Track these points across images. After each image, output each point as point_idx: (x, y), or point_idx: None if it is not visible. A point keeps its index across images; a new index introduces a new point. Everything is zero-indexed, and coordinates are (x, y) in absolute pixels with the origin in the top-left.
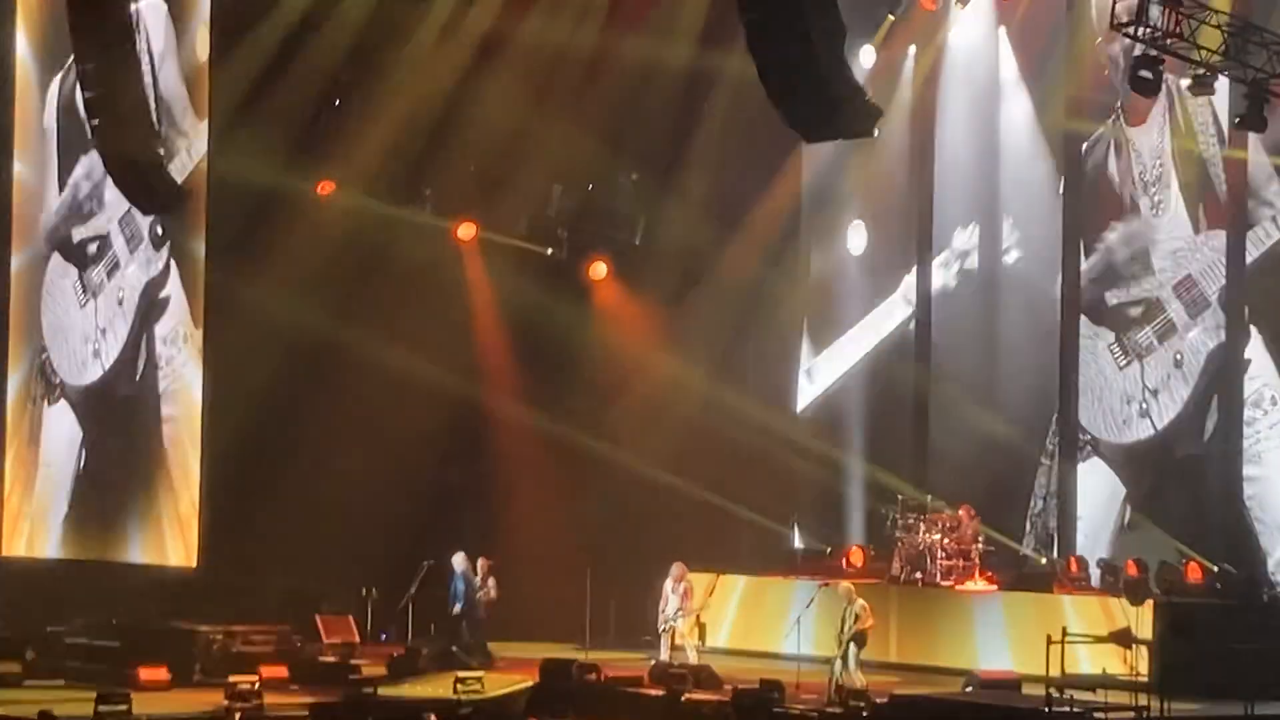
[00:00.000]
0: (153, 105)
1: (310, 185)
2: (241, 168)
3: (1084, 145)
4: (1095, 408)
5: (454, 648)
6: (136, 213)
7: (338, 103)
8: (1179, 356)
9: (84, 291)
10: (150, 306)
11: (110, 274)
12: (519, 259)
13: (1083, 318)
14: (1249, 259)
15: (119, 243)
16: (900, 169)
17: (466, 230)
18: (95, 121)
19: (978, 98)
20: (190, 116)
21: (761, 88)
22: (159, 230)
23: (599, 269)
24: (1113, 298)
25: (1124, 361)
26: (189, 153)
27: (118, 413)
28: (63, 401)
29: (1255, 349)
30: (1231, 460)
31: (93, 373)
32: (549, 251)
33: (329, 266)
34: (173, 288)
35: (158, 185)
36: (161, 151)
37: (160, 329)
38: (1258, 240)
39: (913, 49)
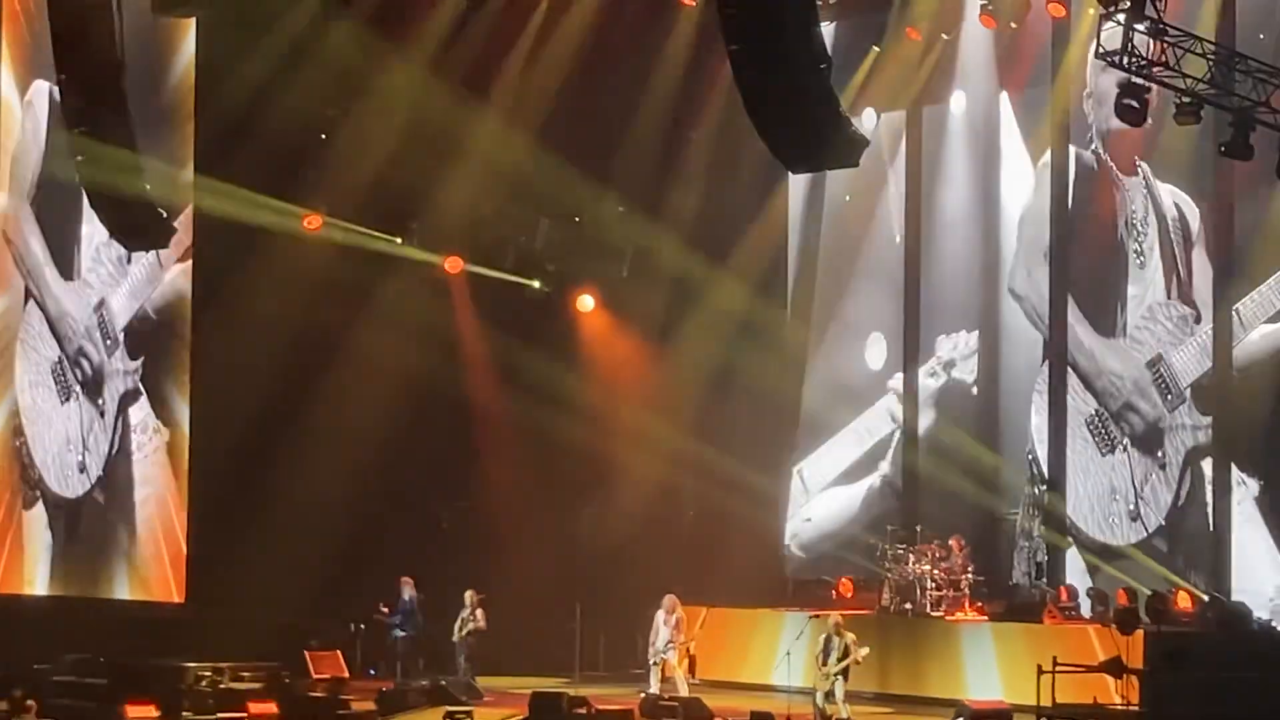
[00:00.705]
0: (137, 140)
1: (296, 219)
2: (227, 201)
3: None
4: (1075, 494)
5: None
6: (111, 305)
7: (324, 136)
8: (1162, 455)
9: (64, 389)
10: (128, 404)
11: (90, 375)
12: (506, 292)
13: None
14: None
15: (96, 339)
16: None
17: (453, 264)
18: (80, 158)
19: (972, 128)
20: (176, 150)
21: (747, 118)
22: (128, 334)
23: (586, 301)
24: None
25: (1106, 449)
26: (174, 186)
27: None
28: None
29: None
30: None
31: (78, 486)
32: (536, 284)
33: (315, 301)
34: (143, 395)
35: (145, 221)
36: (148, 186)
37: (134, 421)
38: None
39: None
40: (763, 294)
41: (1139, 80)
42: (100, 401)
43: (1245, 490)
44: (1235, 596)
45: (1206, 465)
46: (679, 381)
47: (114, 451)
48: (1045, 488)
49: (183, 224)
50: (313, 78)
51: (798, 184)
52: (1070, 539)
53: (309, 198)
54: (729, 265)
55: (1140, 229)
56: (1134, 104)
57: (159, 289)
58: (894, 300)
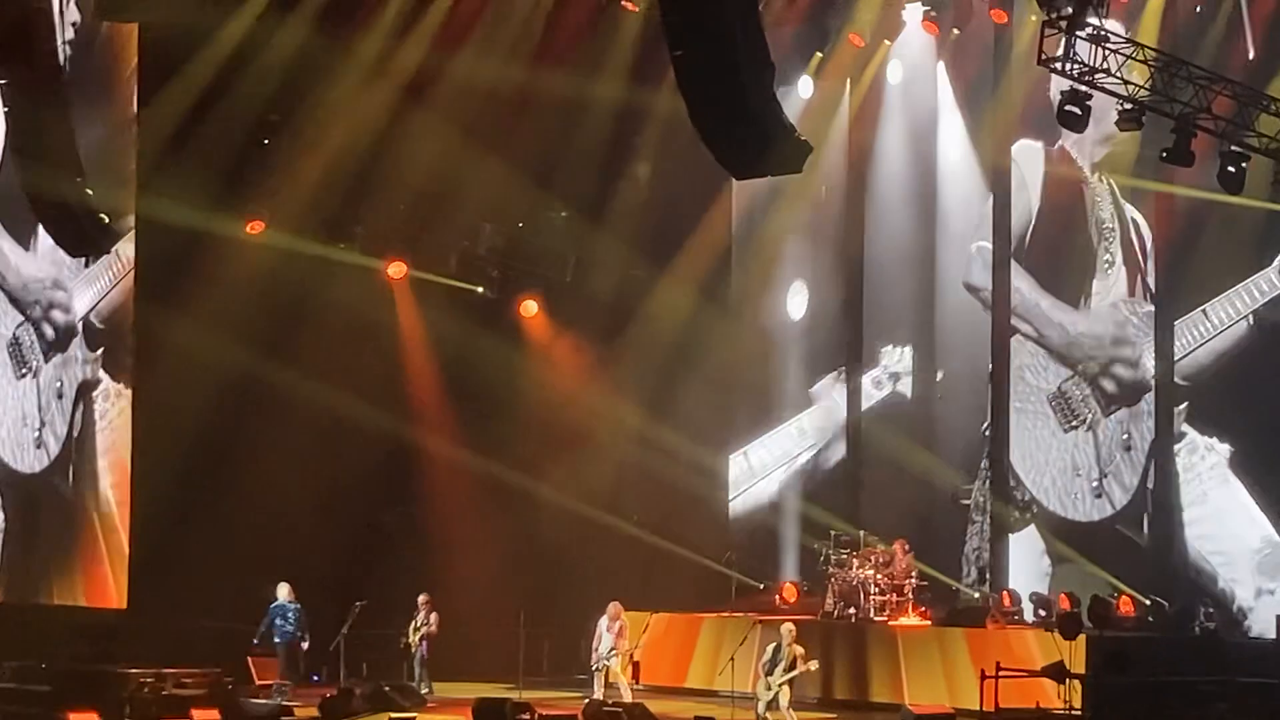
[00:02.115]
0: (79, 146)
1: (239, 224)
2: (170, 207)
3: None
4: (1033, 467)
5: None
6: (70, 290)
7: (266, 142)
8: (1127, 439)
9: (20, 365)
10: (87, 392)
11: (48, 356)
12: (450, 297)
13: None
14: (1183, 349)
15: (58, 322)
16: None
17: (397, 269)
18: (22, 163)
19: (915, 132)
20: (118, 156)
21: (691, 124)
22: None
23: (530, 307)
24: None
25: (1068, 425)
26: (117, 192)
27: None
28: None
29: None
30: (1169, 512)
31: (35, 462)
32: (479, 290)
33: (259, 306)
34: (105, 381)
35: (87, 227)
36: (90, 193)
37: (97, 410)
38: (1193, 331)
39: (848, 84)
40: (706, 298)
41: (1081, 87)
42: (60, 384)
43: (1216, 455)
44: (1219, 558)
45: (1175, 447)
46: (622, 386)
47: (73, 434)
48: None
49: (125, 229)
50: (255, 84)
51: (741, 188)
52: (1029, 515)
53: (252, 203)
54: (673, 269)
55: (1108, 235)
56: (1076, 110)
57: (114, 289)
58: (821, 250)
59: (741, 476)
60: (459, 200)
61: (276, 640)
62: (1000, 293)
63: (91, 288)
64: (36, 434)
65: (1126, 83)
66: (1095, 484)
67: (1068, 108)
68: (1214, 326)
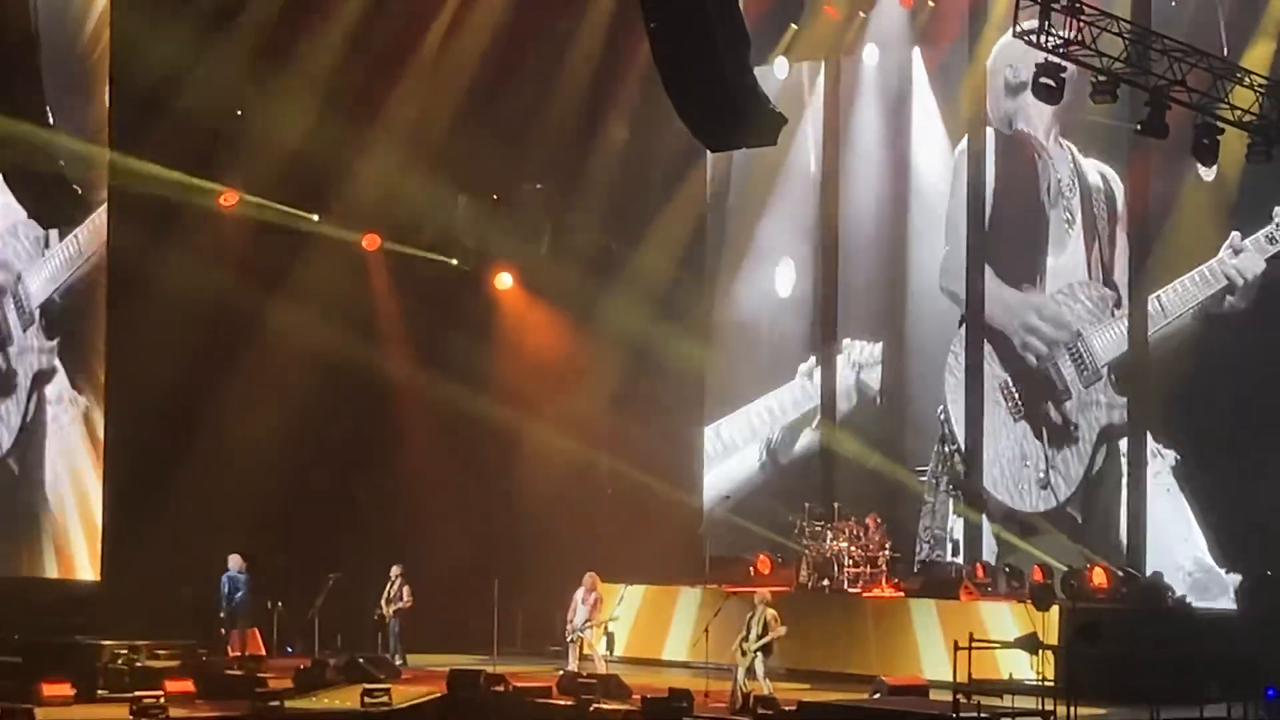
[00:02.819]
0: (52, 117)
1: (212, 196)
2: (142, 179)
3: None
4: (983, 455)
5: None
6: (27, 280)
7: (240, 112)
8: (1074, 429)
9: None
10: (41, 383)
11: (3, 345)
12: (424, 269)
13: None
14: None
15: (11, 313)
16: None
17: (371, 241)
18: None
19: (889, 107)
20: (90, 126)
21: (665, 96)
22: (44, 312)
23: (505, 279)
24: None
25: (1017, 415)
26: (89, 163)
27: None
28: None
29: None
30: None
31: None
32: (454, 262)
33: (232, 277)
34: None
35: (59, 197)
36: (62, 163)
37: (50, 391)
38: (1149, 319)
39: (823, 63)
40: (682, 269)
41: (1056, 59)
42: (15, 380)
43: (1162, 462)
44: (1150, 571)
45: (1122, 443)
46: (597, 358)
47: (26, 422)
48: (955, 447)
49: (97, 200)
50: (229, 53)
51: (716, 160)
52: (982, 504)
53: (225, 174)
54: (648, 241)
55: (1066, 195)
56: (1051, 83)
57: (78, 267)
58: (805, 231)
59: (714, 450)
60: (433, 172)
61: (230, 609)
62: (974, 280)
63: (47, 276)
64: None
65: (1101, 55)
66: (1041, 474)
67: (1042, 80)
68: (1166, 314)
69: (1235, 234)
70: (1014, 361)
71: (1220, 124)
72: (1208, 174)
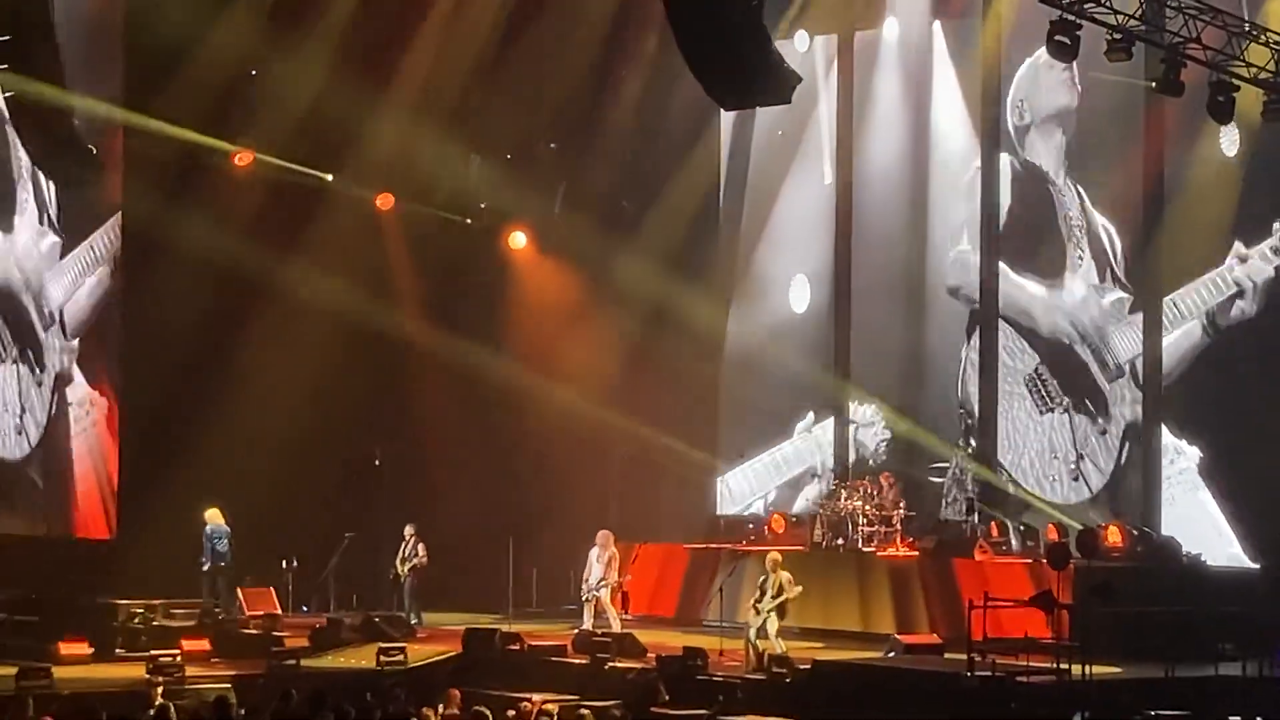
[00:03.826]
0: (66, 77)
1: (227, 156)
2: (157, 138)
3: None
4: (1011, 448)
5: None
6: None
7: (254, 71)
8: (1103, 422)
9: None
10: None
11: (24, 344)
12: (438, 229)
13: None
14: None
15: (34, 315)
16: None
17: (385, 200)
18: (9, 95)
19: (909, 81)
20: (105, 86)
21: (680, 54)
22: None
23: (518, 238)
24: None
25: (1044, 408)
26: (103, 121)
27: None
28: None
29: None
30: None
31: (17, 449)
32: (468, 221)
33: (246, 237)
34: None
35: (74, 157)
36: (76, 123)
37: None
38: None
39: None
40: (695, 229)
41: (1070, 16)
42: (38, 373)
43: (1186, 460)
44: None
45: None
46: (612, 317)
47: (52, 415)
48: (973, 445)
49: (112, 159)
50: (243, 13)
51: (729, 120)
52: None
53: (239, 133)
54: (662, 200)
55: (1077, 233)
56: (1065, 40)
57: (95, 271)
58: (820, 243)
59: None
60: (447, 131)
61: (209, 564)
62: (988, 273)
63: (64, 276)
64: (17, 423)
65: (1116, 13)
66: (1072, 466)
67: (1058, 38)
68: (1178, 320)
69: (1238, 244)
70: (1042, 353)
71: (1236, 81)
72: (1222, 157)
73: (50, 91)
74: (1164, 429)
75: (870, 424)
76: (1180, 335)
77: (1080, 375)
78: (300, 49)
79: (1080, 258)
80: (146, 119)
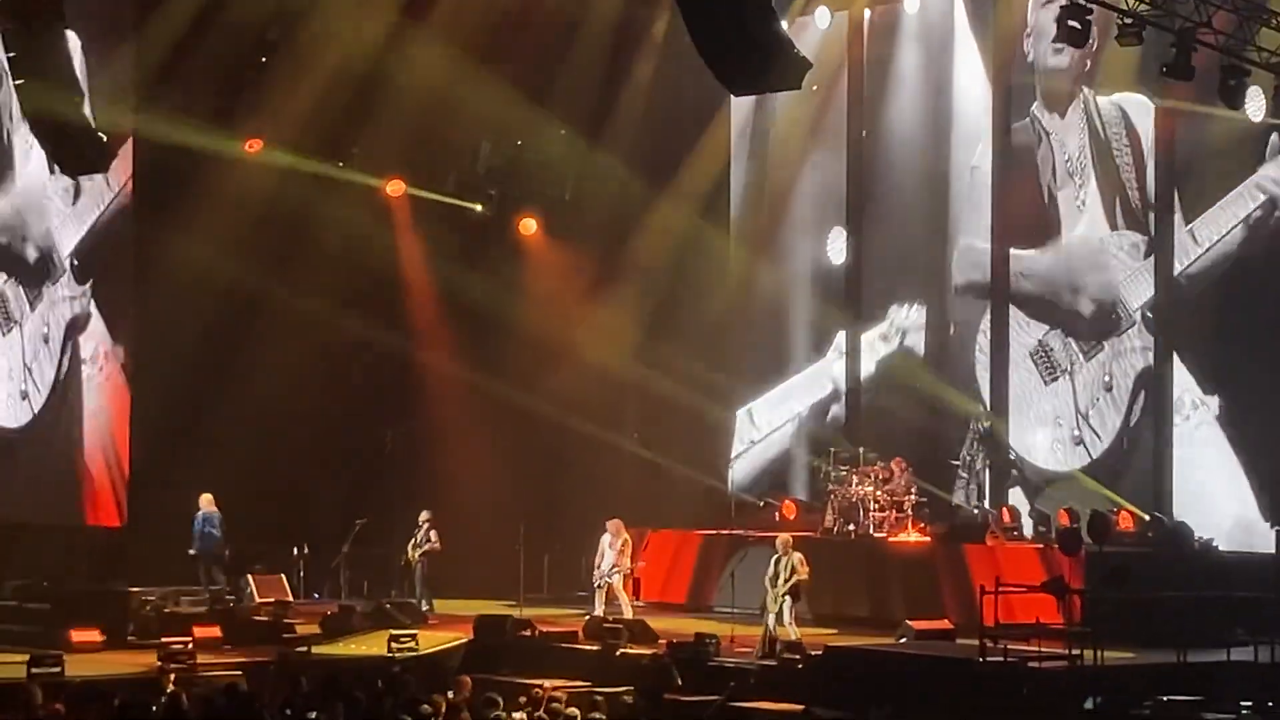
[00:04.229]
0: (77, 63)
1: (237, 143)
2: (167, 126)
3: (1013, 126)
4: (1016, 425)
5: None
6: (56, 234)
7: (264, 60)
8: (1108, 380)
9: (4, 319)
10: (75, 331)
11: (33, 303)
12: (448, 216)
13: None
14: (1171, 271)
15: (40, 268)
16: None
17: (395, 187)
18: (19, 82)
19: (930, 56)
20: (115, 74)
21: (689, 40)
22: (74, 260)
23: (529, 225)
24: (1032, 300)
25: (1050, 377)
26: (115, 111)
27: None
28: None
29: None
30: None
31: (20, 415)
32: (478, 208)
33: (257, 225)
34: (94, 318)
35: (84, 145)
36: (87, 110)
37: (84, 350)
38: (1182, 254)
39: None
40: (706, 215)
41: (1082, 1)
42: (45, 330)
43: (1205, 411)
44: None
45: (1155, 382)
46: (623, 304)
47: (60, 378)
48: (988, 423)
49: (123, 149)
50: (253, 1)
51: (740, 105)
52: (1014, 473)
53: (250, 121)
54: (672, 186)
55: (1076, 172)
56: (1076, 25)
57: (106, 212)
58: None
59: (745, 428)
60: (457, 118)
61: (201, 549)
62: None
63: (77, 223)
64: (22, 388)
65: None
66: (1075, 432)
67: (1070, 22)
68: (1199, 245)
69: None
70: (1045, 322)
71: (1247, 66)
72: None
73: (60, 78)
74: (1176, 379)
75: (898, 333)
76: (1201, 267)
77: (1083, 332)
78: (310, 36)
79: (1081, 207)
80: (157, 106)
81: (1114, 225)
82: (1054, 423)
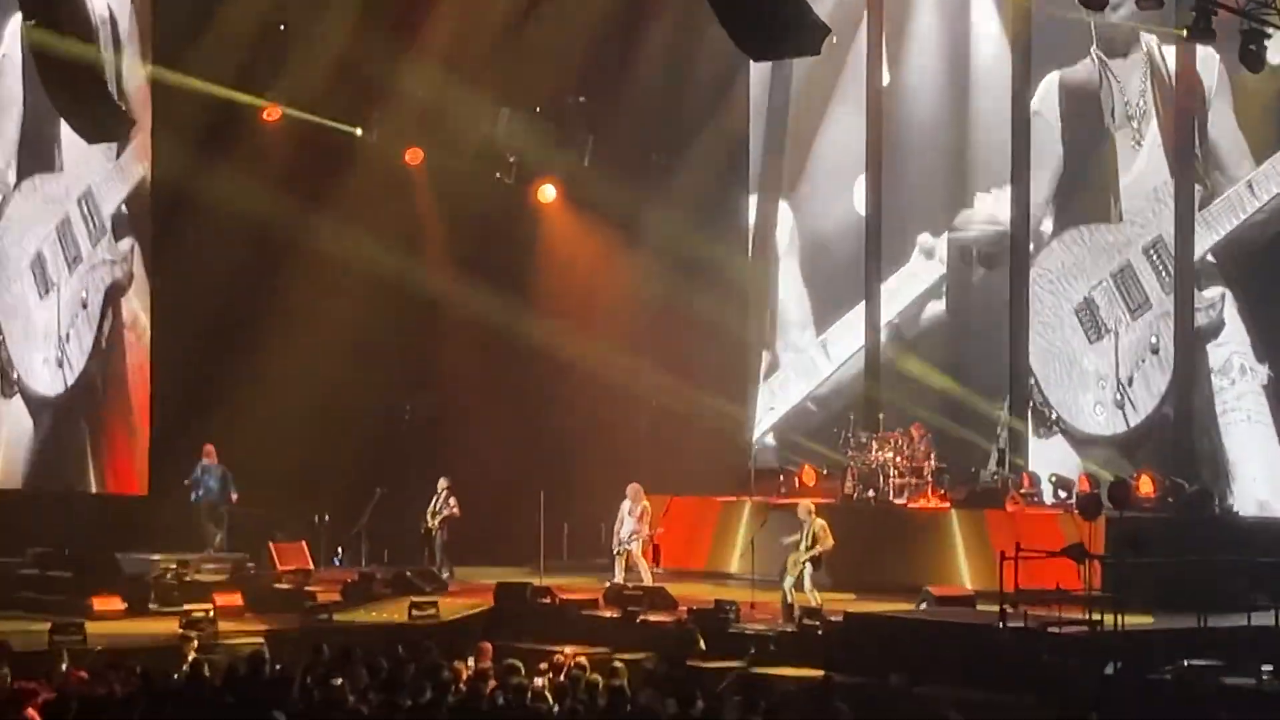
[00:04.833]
0: (98, 31)
1: (256, 110)
2: (187, 93)
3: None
4: (1057, 385)
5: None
6: (96, 193)
7: (283, 26)
8: (1155, 341)
9: (43, 282)
10: (115, 295)
11: (72, 266)
12: (467, 183)
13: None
14: (1228, 226)
15: (80, 230)
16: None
17: (414, 154)
18: (39, 51)
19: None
20: (135, 41)
21: (708, 5)
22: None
23: (548, 191)
24: (1078, 249)
25: (1094, 336)
26: (134, 77)
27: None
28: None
29: (1229, 313)
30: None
31: (55, 384)
32: (497, 175)
33: (276, 192)
34: (138, 279)
35: (104, 114)
36: (107, 78)
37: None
38: (1237, 206)
39: None
40: (726, 179)
41: None
42: (84, 294)
43: (1251, 379)
44: (1230, 497)
45: (1208, 351)
46: (643, 270)
47: (100, 346)
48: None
49: (141, 116)
50: None
51: (759, 70)
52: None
53: (268, 88)
54: (691, 151)
55: (1137, 112)
56: None
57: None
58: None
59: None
60: (476, 85)
61: (200, 498)
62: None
63: (121, 181)
64: (59, 355)
65: None
66: (1118, 394)
67: None
68: (1257, 197)
69: None
70: (1090, 280)
71: (1269, 29)
72: None
73: (79, 47)
74: (1226, 345)
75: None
76: (1258, 221)
77: (1132, 290)
78: (329, 3)
79: (1137, 147)
80: (176, 74)
81: (1171, 172)
82: (1098, 383)
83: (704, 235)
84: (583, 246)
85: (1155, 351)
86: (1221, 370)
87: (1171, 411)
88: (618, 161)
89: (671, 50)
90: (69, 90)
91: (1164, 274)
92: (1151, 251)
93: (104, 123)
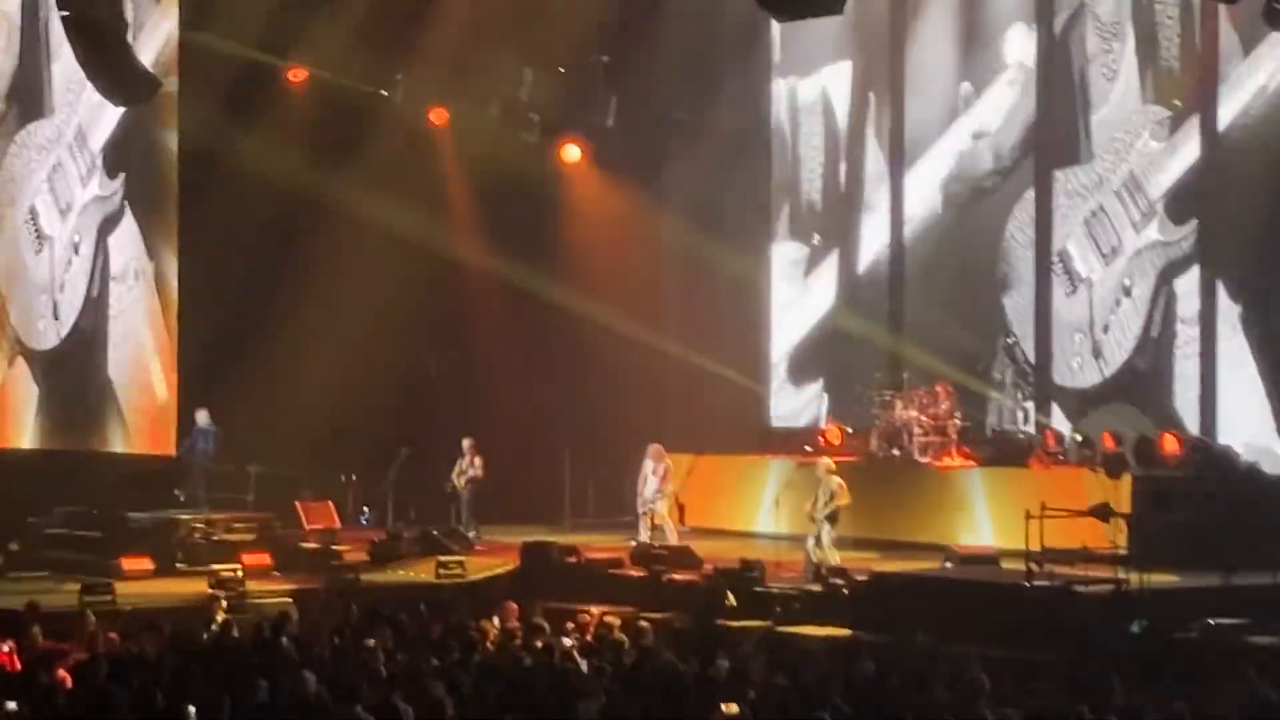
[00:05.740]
0: None
1: (282, 71)
2: (213, 54)
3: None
4: (1039, 339)
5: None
6: (86, 129)
7: None
8: (1127, 283)
9: (37, 237)
10: (106, 232)
11: (64, 214)
12: (492, 143)
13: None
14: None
15: (72, 172)
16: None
17: (439, 115)
18: (65, 13)
19: None
20: (162, 2)
21: None
22: (105, 155)
23: (572, 151)
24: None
25: (1069, 289)
26: (160, 40)
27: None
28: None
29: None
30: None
31: (53, 337)
32: (521, 135)
33: (302, 153)
34: (127, 218)
35: (130, 76)
36: (133, 40)
37: (114, 264)
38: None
39: None
40: (752, 141)
41: None
42: (76, 238)
43: (1228, 315)
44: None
45: (1181, 282)
46: (667, 228)
47: (92, 294)
48: (1013, 341)
49: (169, 78)
50: None
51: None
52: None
53: (294, 50)
54: (715, 111)
55: (1107, 38)
56: None
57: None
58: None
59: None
60: (500, 45)
61: (189, 459)
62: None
63: (110, 111)
64: (54, 307)
65: None
66: (1093, 343)
67: None
68: (1248, 117)
69: None
70: (1063, 233)
71: None
72: None
73: (105, 9)
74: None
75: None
76: (1241, 144)
77: (1103, 235)
78: None
79: (1111, 81)
80: (202, 35)
81: (1145, 96)
82: (1072, 333)
83: (727, 191)
84: (607, 206)
85: (1128, 294)
86: (1196, 317)
87: (1148, 355)
88: (642, 121)
89: (695, 8)
90: (95, 52)
91: (1134, 210)
92: (1120, 190)
93: (130, 84)
